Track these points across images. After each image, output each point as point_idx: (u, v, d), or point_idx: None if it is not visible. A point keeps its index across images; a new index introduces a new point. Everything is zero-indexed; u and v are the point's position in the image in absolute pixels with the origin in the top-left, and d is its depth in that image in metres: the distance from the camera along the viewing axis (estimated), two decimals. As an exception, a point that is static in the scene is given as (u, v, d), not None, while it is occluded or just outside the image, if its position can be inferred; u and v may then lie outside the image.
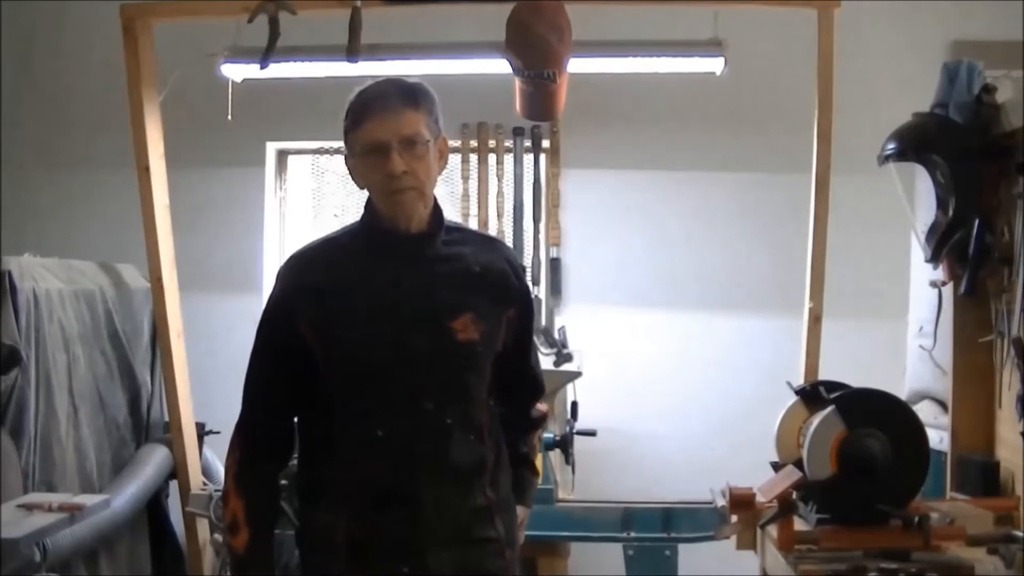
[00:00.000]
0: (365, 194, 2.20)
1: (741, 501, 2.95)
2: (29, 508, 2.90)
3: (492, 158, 4.76)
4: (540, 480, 2.52)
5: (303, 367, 2.14)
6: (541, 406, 2.44)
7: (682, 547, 3.64)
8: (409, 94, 2.12)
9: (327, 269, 2.17)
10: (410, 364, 2.11)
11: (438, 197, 2.22)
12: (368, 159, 2.11)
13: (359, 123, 2.11)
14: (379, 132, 2.08)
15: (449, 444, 2.12)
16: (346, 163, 2.20)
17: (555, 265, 4.72)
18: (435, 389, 2.12)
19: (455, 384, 2.14)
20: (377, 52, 3.65)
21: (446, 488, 2.12)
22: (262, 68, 3.67)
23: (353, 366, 2.12)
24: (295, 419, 2.22)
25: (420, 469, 2.10)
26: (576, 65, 3.66)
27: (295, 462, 2.27)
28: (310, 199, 5.14)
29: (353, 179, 2.20)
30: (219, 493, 3.76)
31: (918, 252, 3.26)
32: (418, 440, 2.10)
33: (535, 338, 2.44)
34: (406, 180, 2.09)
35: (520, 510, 2.34)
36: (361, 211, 2.22)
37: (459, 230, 2.28)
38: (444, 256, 2.17)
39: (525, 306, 2.28)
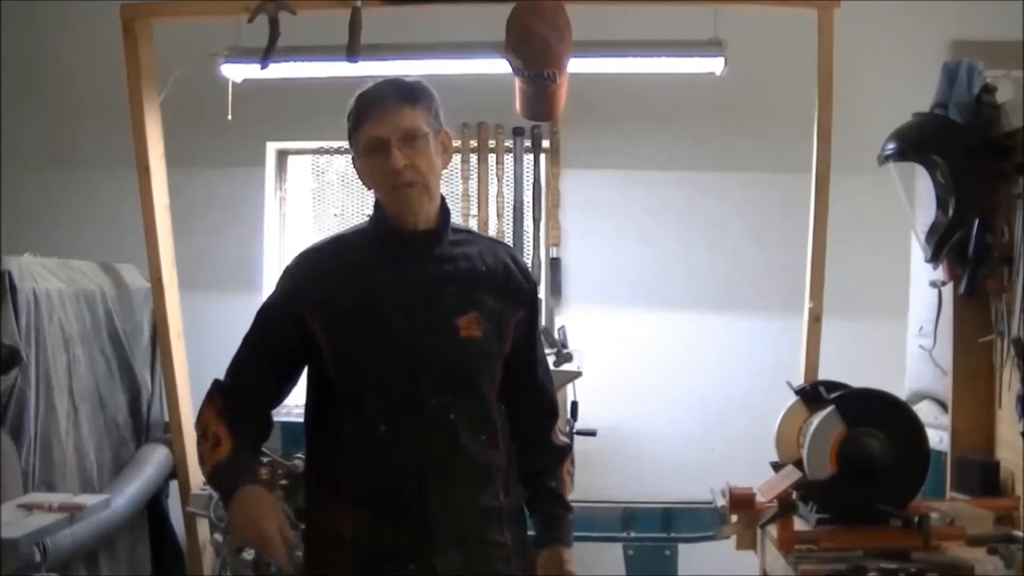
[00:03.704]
0: (367, 194, 2.22)
1: (741, 501, 2.95)
2: (29, 508, 2.91)
3: (492, 158, 4.76)
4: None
5: (297, 361, 2.16)
6: (562, 435, 2.35)
7: (682, 547, 3.64)
8: (406, 91, 2.14)
9: (336, 267, 2.18)
10: (414, 360, 2.11)
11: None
12: (371, 158, 2.13)
13: (360, 124, 2.14)
14: (378, 129, 2.11)
15: (455, 442, 2.12)
16: (353, 165, 2.22)
17: (555, 265, 4.72)
18: (439, 386, 2.12)
19: (460, 381, 2.14)
20: (377, 52, 3.65)
21: (453, 487, 2.11)
22: (262, 68, 3.67)
23: (359, 362, 2.12)
24: (271, 407, 2.21)
25: (425, 466, 2.10)
26: (576, 65, 3.66)
27: (300, 461, 2.27)
28: (310, 199, 5.14)
29: (361, 180, 2.22)
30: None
31: (918, 252, 3.25)
32: (422, 436, 2.11)
33: (541, 345, 2.40)
34: (408, 175, 2.10)
35: (561, 549, 2.24)
36: (362, 211, 2.24)
37: (466, 231, 2.31)
38: (451, 255, 2.19)
39: (532, 308, 2.29)
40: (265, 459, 3.07)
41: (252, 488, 2.03)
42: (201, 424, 2.15)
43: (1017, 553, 2.38)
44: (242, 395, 2.17)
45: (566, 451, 2.34)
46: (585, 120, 4.50)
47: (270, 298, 2.24)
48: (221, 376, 2.22)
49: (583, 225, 4.74)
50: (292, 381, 2.23)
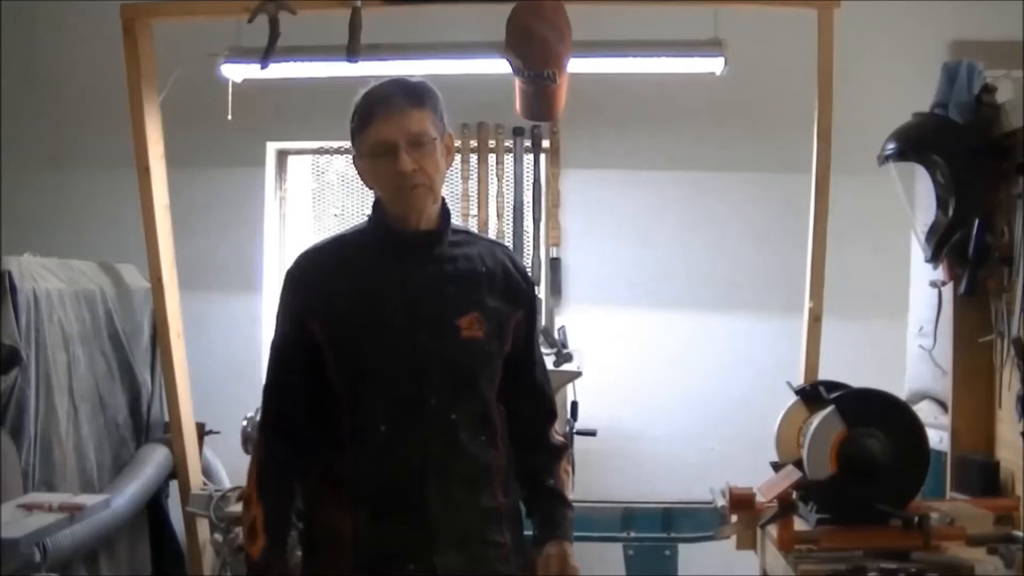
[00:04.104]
0: (367, 194, 2.22)
1: (741, 501, 2.95)
2: (29, 508, 2.90)
3: (492, 158, 4.76)
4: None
5: (316, 364, 2.15)
6: (559, 434, 2.35)
7: (682, 547, 3.64)
8: (414, 93, 2.14)
9: (336, 267, 2.19)
10: (415, 360, 2.11)
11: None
12: (377, 159, 2.13)
13: (366, 124, 2.13)
14: (386, 132, 2.11)
15: (455, 442, 2.12)
16: (354, 163, 2.23)
17: (555, 265, 4.72)
18: (440, 386, 2.12)
19: (461, 382, 2.15)
20: (377, 52, 3.65)
21: (453, 487, 2.12)
22: (262, 68, 3.67)
23: (360, 362, 2.12)
24: (315, 416, 2.20)
25: (425, 466, 2.10)
26: (576, 65, 3.66)
27: None
28: (310, 199, 5.14)
29: (362, 179, 2.22)
30: (219, 493, 3.77)
31: (918, 252, 3.26)
32: (422, 436, 2.11)
33: (539, 346, 2.39)
34: (416, 178, 2.11)
35: (560, 544, 2.21)
36: (362, 211, 2.23)
37: (465, 232, 2.31)
38: (451, 256, 2.19)
39: (531, 308, 2.29)
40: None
41: None
42: (247, 483, 2.19)
43: (1017, 553, 2.38)
44: (282, 436, 2.18)
45: (563, 450, 2.33)
46: (585, 120, 4.50)
47: (278, 315, 2.23)
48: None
49: (583, 225, 4.74)
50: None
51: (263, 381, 2.25)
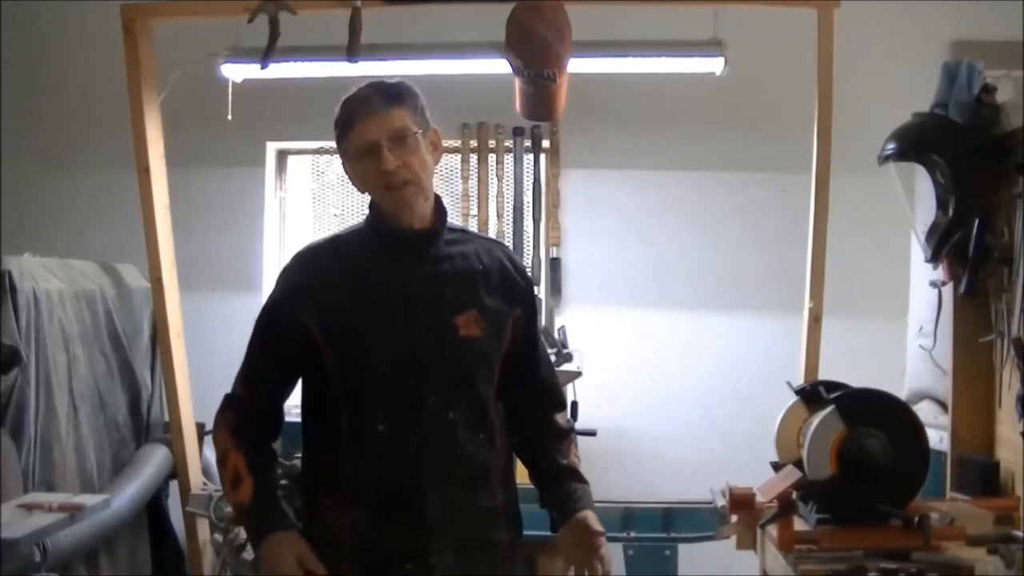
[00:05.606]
0: (366, 195, 2.22)
1: (741, 501, 2.94)
2: (29, 508, 2.90)
3: (492, 158, 4.76)
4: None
5: (300, 361, 2.16)
6: (563, 419, 2.35)
7: (682, 547, 3.64)
8: (390, 92, 2.16)
9: (333, 266, 2.20)
10: (413, 359, 2.12)
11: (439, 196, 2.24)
12: (362, 162, 2.14)
13: (348, 128, 2.15)
14: (368, 133, 2.12)
15: (454, 441, 2.13)
16: (344, 169, 2.24)
17: (555, 265, 4.72)
18: (438, 385, 2.13)
19: (459, 380, 2.15)
20: (377, 52, 3.65)
21: (451, 487, 2.12)
22: (262, 68, 3.67)
23: (357, 362, 2.13)
24: (282, 407, 2.24)
25: (423, 466, 2.11)
26: (576, 65, 3.66)
27: (298, 461, 2.28)
28: (310, 199, 5.15)
29: (353, 184, 2.24)
30: (219, 493, 3.76)
31: (918, 252, 3.25)
32: (421, 436, 2.11)
33: (543, 342, 2.39)
34: (402, 175, 2.12)
35: (587, 513, 2.21)
36: (362, 211, 2.24)
37: (462, 231, 2.32)
38: (448, 254, 2.20)
39: (530, 306, 2.29)
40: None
41: (275, 536, 2.08)
42: (218, 445, 2.18)
43: (1017, 553, 2.38)
44: (253, 405, 2.19)
45: (570, 432, 2.35)
46: (585, 120, 4.50)
47: (268, 303, 2.25)
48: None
49: (583, 225, 4.74)
50: (297, 379, 2.24)
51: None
